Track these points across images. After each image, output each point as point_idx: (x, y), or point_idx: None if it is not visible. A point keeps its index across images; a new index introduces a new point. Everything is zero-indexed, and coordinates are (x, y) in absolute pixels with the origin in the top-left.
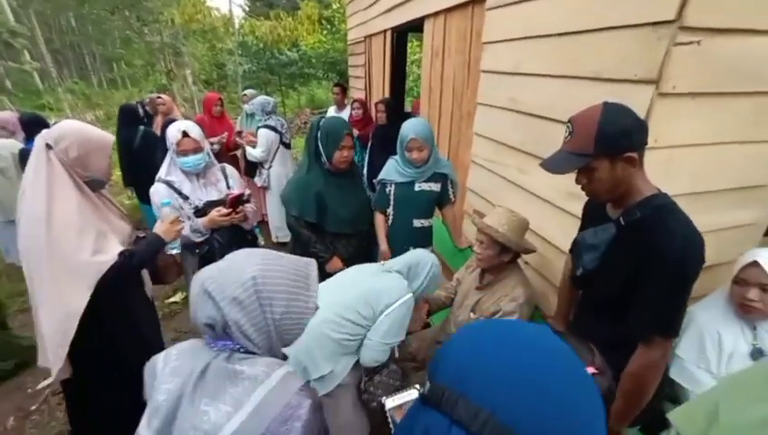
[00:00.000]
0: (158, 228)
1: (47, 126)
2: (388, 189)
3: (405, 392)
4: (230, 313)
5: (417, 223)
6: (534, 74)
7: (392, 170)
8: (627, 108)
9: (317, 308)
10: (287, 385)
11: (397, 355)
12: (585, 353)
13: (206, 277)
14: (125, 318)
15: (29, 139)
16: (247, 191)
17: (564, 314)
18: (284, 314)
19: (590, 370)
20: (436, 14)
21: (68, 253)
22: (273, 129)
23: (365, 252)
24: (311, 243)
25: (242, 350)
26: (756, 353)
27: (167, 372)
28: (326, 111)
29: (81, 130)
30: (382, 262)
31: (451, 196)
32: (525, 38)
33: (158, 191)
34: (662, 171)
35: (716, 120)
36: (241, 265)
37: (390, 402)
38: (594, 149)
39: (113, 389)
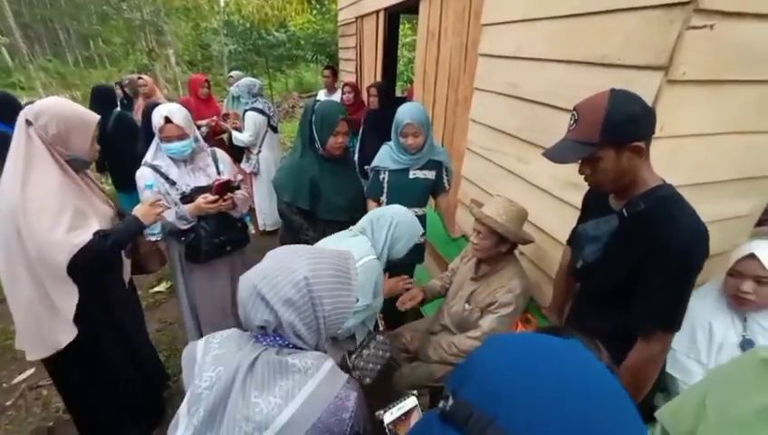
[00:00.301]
0: (137, 210)
1: (18, 106)
2: (381, 177)
3: (402, 402)
4: (284, 314)
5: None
6: (536, 59)
7: (386, 157)
8: (635, 95)
9: (357, 300)
10: (335, 378)
11: (380, 327)
12: (592, 350)
13: (258, 280)
14: (105, 310)
15: None
16: (239, 177)
17: (560, 306)
18: (332, 310)
19: None
20: None
21: (43, 233)
22: (261, 111)
23: None
24: (302, 230)
25: (290, 345)
26: (745, 344)
27: (208, 359)
28: (315, 95)
29: (61, 107)
30: (351, 227)
31: (446, 184)
32: (527, 20)
33: (143, 175)
34: (667, 161)
35: (723, 109)
36: (291, 265)
37: (389, 416)
38: (600, 138)
39: (97, 384)
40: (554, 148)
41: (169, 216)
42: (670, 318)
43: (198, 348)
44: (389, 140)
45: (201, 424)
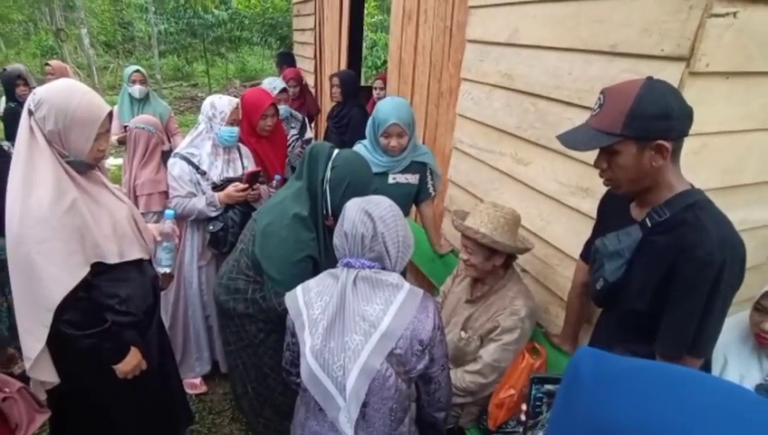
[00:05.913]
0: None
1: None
2: None
3: None
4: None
5: None
6: (536, 46)
7: None
8: (674, 89)
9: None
10: (415, 290)
11: None
12: None
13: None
14: None
15: None
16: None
17: (574, 333)
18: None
19: None
20: None
21: (32, 252)
22: None
23: None
24: None
25: (375, 268)
26: (762, 389)
27: (312, 295)
28: (259, 83)
29: (65, 96)
30: None
31: (431, 189)
32: (524, 2)
33: (178, 166)
34: (693, 162)
35: (748, 105)
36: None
37: None
38: (622, 129)
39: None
40: (570, 133)
41: (199, 202)
42: (699, 341)
43: (298, 293)
44: (358, 137)
45: (325, 331)
